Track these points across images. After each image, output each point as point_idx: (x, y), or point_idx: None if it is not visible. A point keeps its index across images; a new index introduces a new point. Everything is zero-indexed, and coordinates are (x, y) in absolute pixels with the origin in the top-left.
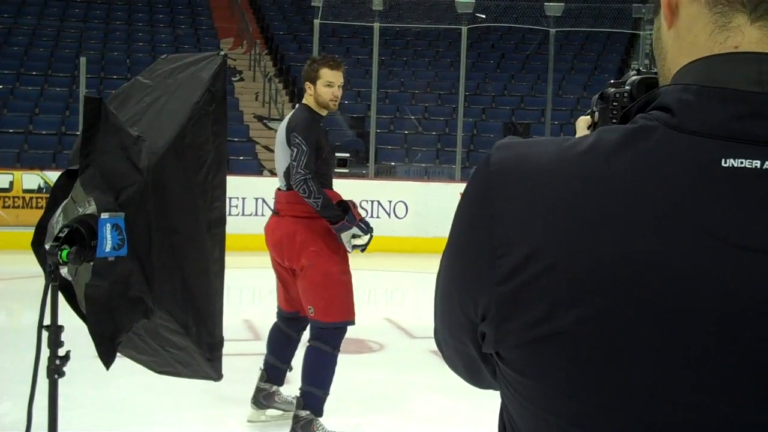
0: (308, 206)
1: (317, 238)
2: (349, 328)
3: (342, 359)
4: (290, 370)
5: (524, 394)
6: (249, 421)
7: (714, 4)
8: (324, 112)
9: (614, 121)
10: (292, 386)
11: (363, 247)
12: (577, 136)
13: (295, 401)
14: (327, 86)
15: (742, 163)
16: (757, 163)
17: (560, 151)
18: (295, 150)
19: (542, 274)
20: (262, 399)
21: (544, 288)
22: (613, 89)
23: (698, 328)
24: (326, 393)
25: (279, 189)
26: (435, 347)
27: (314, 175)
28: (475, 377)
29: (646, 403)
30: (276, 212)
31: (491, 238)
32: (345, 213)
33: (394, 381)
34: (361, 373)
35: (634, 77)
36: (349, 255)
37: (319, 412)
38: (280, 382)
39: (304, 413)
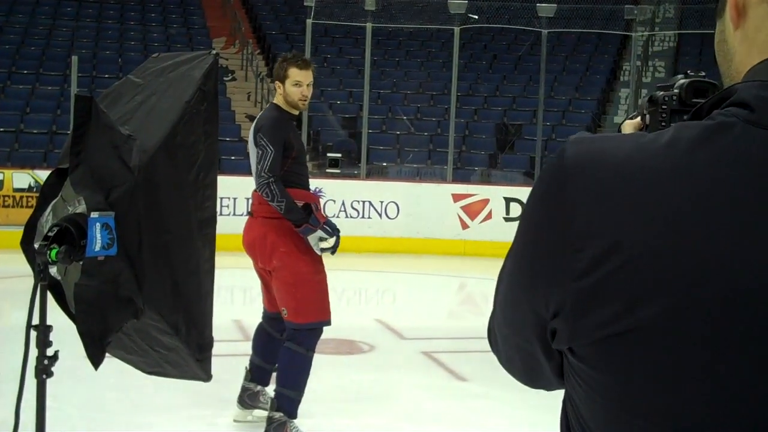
0: None
1: (287, 239)
2: (340, 328)
3: (332, 360)
4: (275, 371)
5: (596, 389)
6: (235, 421)
7: None
8: (295, 112)
9: (663, 123)
10: None
11: (331, 250)
12: None
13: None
14: (295, 86)
15: None
16: None
17: (638, 145)
18: (260, 152)
19: (622, 268)
20: (247, 399)
21: (624, 283)
22: (661, 93)
23: None
24: (300, 394)
25: (255, 189)
26: (425, 348)
27: (278, 178)
28: (531, 376)
29: (725, 398)
30: (250, 213)
31: (569, 231)
32: (309, 216)
33: (384, 382)
34: (351, 373)
35: (683, 81)
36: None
37: (292, 414)
38: (266, 382)
39: (277, 415)
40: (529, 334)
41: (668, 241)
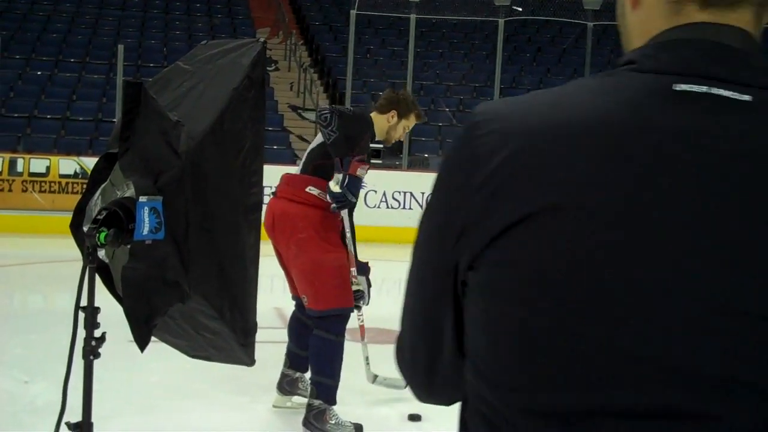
0: (306, 193)
1: (307, 225)
2: (380, 318)
3: (371, 349)
4: None
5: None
6: (274, 406)
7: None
8: (381, 137)
9: None
10: None
11: (338, 198)
12: None
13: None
14: (405, 128)
15: (691, 87)
16: (704, 88)
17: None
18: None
19: (512, 173)
20: (286, 385)
21: (515, 185)
22: None
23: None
24: (336, 381)
25: (287, 174)
26: None
27: (344, 120)
28: (433, 371)
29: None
30: (273, 194)
31: (472, 157)
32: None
33: None
34: (389, 363)
35: None
36: (348, 243)
37: (331, 401)
38: (304, 368)
39: (317, 402)
40: (439, 296)
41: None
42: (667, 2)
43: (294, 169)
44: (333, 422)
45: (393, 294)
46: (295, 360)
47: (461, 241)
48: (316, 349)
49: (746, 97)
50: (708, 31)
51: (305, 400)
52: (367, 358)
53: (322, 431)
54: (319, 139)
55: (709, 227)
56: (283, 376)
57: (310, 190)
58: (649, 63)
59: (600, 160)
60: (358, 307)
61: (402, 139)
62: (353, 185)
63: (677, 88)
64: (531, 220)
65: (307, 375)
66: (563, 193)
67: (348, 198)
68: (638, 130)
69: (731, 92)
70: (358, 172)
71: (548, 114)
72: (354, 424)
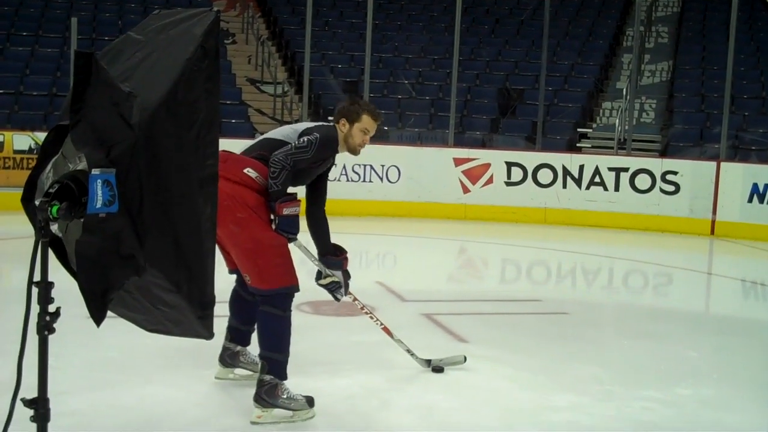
0: (243, 174)
1: (244, 205)
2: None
3: (333, 321)
4: (254, 331)
5: None
6: (217, 378)
7: None
8: (344, 151)
9: None
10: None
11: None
12: None
13: (260, 361)
14: (362, 132)
15: None
16: None
17: None
18: (302, 142)
19: None
20: (228, 357)
21: None
22: None
23: None
24: (286, 356)
25: (224, 150)
26: (426, 310)
27: (292, 172)
28: None
29: None
30: None
31: None
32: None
33: (384, 343)
34: (351, 335)
35: None
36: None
37: (282, 376)
38: (245, 342)
39: (267, 378)
40: None
41: None
42: None
43: (238, 144)
44: (285, 396)
45: (354, 267)
46: (236, 335)
47: None
48: (264, 325)
49: None
50: None
51: (247, 372)
52: (408, 350)
53: (275, 406)
54: (280, 133)
55: None
56: (225, 349)
57: (248, 171)
58: None
59: None
60: (336, 299)
61: (365, 144)
62: (285, 225)
63: None
64: None
65: (249, 348)
66: None
67: (284, 237)
68: None
69: None
70: (285, 211)
71: None
72: (305, 396)
